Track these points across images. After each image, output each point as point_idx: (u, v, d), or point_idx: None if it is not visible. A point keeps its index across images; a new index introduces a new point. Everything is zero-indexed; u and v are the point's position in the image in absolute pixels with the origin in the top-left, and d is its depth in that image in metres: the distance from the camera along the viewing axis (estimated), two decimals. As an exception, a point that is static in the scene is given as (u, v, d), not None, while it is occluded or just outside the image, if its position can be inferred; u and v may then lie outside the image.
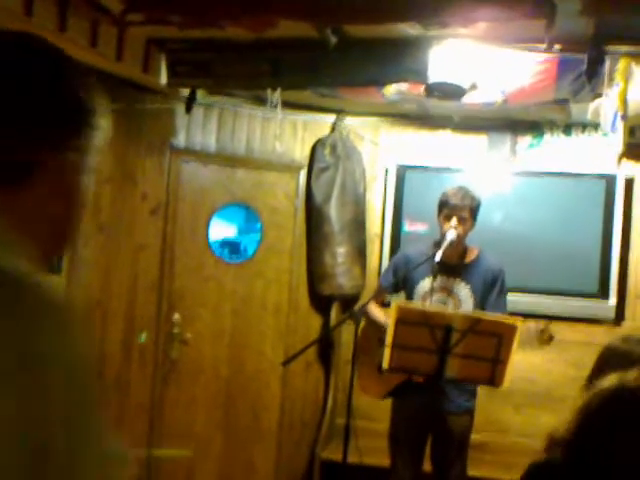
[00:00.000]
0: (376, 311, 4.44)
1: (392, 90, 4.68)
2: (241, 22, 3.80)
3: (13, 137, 1.10)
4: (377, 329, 4.32)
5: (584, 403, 2.05)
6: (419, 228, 5.69)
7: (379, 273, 5.74)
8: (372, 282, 5.76)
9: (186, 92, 5.07)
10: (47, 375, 1.04)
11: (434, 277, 4.30)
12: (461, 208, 4.22)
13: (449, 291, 4.31)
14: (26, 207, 1.15)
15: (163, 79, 4.67)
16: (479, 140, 5.76)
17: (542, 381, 5.58)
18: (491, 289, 4.31)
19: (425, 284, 4.33)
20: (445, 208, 4.26)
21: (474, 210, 4.29)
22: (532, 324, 4.08)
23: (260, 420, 5.85)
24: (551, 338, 4.09)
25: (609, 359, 3.15)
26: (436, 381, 3.93)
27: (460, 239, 4.25)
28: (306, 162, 5.82)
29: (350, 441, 4.16)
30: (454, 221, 4.21)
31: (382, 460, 4.71)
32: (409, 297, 4.39)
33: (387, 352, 3.89)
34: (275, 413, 5.87)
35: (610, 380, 2.08)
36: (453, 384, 4.17)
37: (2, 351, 1.02)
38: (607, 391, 2.04)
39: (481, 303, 4.27)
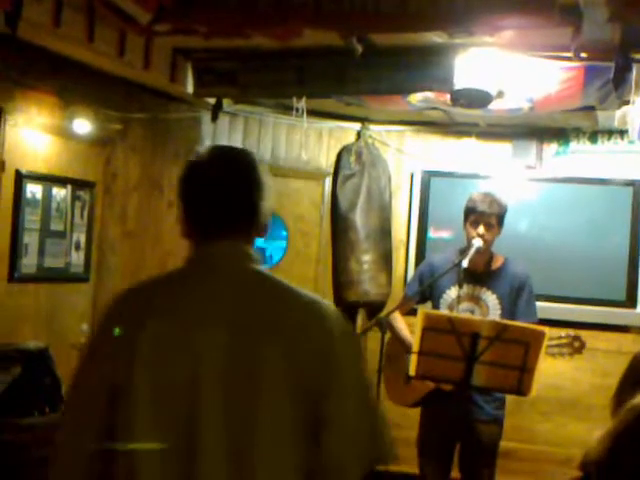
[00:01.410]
0: (401, 326, 4.41)
1: (418, 98, 4.68)
2: (267, 31, 3.82)
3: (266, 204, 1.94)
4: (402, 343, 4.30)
5: (618, 421, 2.00)
6: (444, 235, 5.69)
7: (405, 280, 5.73)
8: (398, 289, 5.75)
9: (212, 101, 5.09)
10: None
11: (460, 285, 4.27)
12: (489, 215, 4.19)
13: (476, 299, 4.28)
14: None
15: (190, 88, 4.71)
16: (504, 147, 5.74)
17: (569, 389, 5.55)
18: (518, 296, 4.27)
19: (451, 293, 4.31)
20: (472, 215, 4.23)
21: (501, 217, 4.26)
22: (563, 333, 4.05)
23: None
24: (583, 346, 4.05)
25: (637, 372, 3.11)
26: (463, 389, 3.90)
27: (487, 246, 4.22)
28: (331, 169, 5.84)
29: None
30: (481, 228, 4.18)
31: (409, 468, 4.70)
32: (435, 306, 4.36)
33: (413, 359, 3.87)
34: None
35: None
36: (481, 392, 4.15)
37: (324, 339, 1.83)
38: None
39: (509, 311, 4.24)
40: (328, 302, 1.94)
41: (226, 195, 1.91)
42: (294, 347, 1.80)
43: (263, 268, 1.93)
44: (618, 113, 4.67)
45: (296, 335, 1.82)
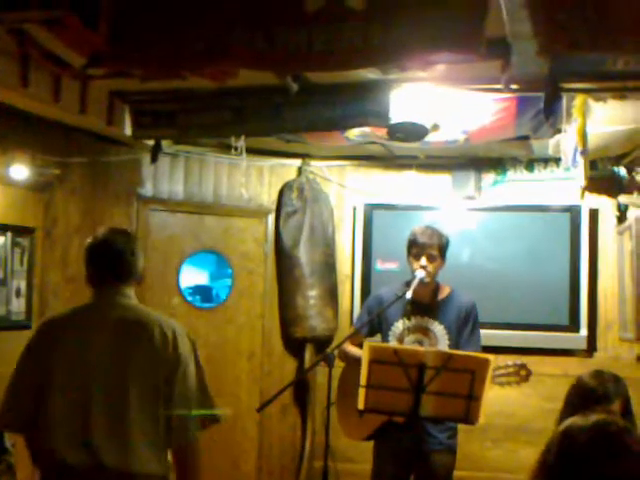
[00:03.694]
0: (354, 349, 4.43)
1: (355, 133, 4.73)
2: (202, 73, 3.83)
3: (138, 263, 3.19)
4: (358, 367, 4.29)
5: (553, 447, 2.02)
6: (390, 266, 5.72)
7: (351, 314, 5.75)
8: (345, 323, 5.77)
9: (152, 142, 5.08)
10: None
11: (408, 317, 4.31)
12: (430, 246, 4.25)
13: (424, 330, 4.31)
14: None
15: (128, 130, 4.70)
16: (444, 178, 5.82)
17: (518, 415, 5.59)
18: (464, 325, 4.32)
19: (399, 325, 4.34)
20: (414, 247, 4.28)
21: (443, 248, 4.31)
22: (510, 362, 4.10)
23: (238, 465, 5.81)
24: (530, 374, 4.11)
25: (578, 396, 3.16)
26: (412, 420, 3.92)
27: (431, 277, 4.27)
28: (274, 207, 5.86)
29: (329, 484, 4.13)
30: (424, 260, 4.23)
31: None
32: (384, 339, 4.39)
33: (362, 393, 3.88)
34: (253, 458, 5.84)
35: (564, 425, 2.06)
36: (433, 422, 4.16)
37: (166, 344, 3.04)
38: (564, 434, 2.01)
39: (456, 340, 4.28)
40: (169, 318, 3.17)
41: (110, 259, 3.12)
42: (151, 347, 3.00)
43: (133, 302, 3.13)
44: (552, 141, 4.77)
45: (152, 340, 3.00)
